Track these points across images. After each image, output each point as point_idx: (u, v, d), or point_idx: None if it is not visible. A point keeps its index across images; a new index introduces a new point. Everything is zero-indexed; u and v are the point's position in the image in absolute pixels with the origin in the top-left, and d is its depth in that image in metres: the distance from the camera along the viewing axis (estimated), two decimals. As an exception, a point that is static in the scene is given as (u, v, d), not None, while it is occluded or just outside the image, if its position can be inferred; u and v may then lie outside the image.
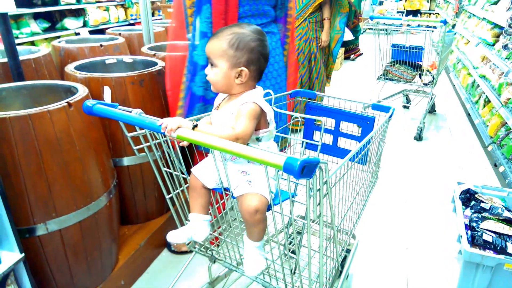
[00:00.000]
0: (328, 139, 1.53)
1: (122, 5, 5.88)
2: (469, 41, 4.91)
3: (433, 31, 3.82)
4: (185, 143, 1.04)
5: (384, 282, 1.84)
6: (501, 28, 3.79)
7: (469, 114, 4.06)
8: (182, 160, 1.13)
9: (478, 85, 4.02)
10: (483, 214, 1.92)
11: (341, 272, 1.47)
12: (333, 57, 3.37)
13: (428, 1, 10.29)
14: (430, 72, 3.77)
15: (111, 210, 1.59)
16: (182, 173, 1.13)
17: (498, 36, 3.85)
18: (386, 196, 2.57)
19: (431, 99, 3.74)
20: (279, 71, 1.99)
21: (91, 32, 4.97)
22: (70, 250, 1.43)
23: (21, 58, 1.73)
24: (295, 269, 1.46)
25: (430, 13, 10.10)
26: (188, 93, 1.69)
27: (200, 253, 1.31)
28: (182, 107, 1.74)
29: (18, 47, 1.70)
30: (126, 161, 1.81)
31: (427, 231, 2.22)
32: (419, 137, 3.48)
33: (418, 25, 4.31)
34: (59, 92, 1.59)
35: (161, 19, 5.72)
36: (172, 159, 1.10)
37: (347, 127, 1.50)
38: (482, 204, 2.01)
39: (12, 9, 1.58)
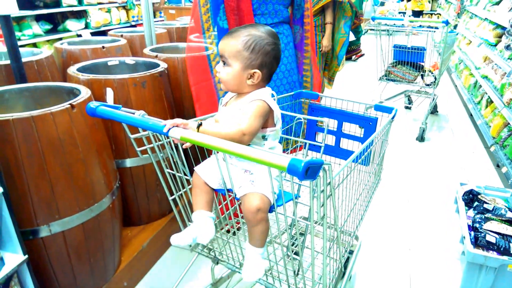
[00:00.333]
0: (330, 140, 1.53)
1: (124, 7, 5.89)
2: (471, 42, 4.90)
3: (434, 31, 3.81)
4: (188, 145, 1.04)
5: (387, 283, 1.84)
6: (503, 28, 3.79)
7: (471, 115, 4.05)
8: (185, 161, 1.13)
9: (480, 86, 4.01)
10: (486, 215, 1.92)
11: (344, 273, 1.46)
12: (338, 61, 3.29)
13: (429, 2, 10.27)
14: (432, 73, 3.76)
15: (114, 212, 1.59)
16: (185, 174, 1.13)
17: (500, 37, 3.84)
18: (388, 197, 2.56)
19: (433, 99, 3.73)
20: (290, 72, 2.01)
21: (92, 34, 4.99)
22: (73, 251, 1.43)
23: (23, 60, 1.74)
24: (298, 270, 1.46)
25: (431, 14, 10.08)
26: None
27: (203, 254, 1.30)
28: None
29: (20, 49, 1.70)
30: (129, 162, 1.81)
31: (430, 232, 2.22)
32: (421, 138, 3.47)
33: (420, 26, 4.30)
34: (61, 94, 1.59)
35: (163, 20, 5.74)
36: (175, 160, 1.10)
37: (349, 128, 1.50)
38: (485, 205, 2.00)
39: (14, 11, 1.58)
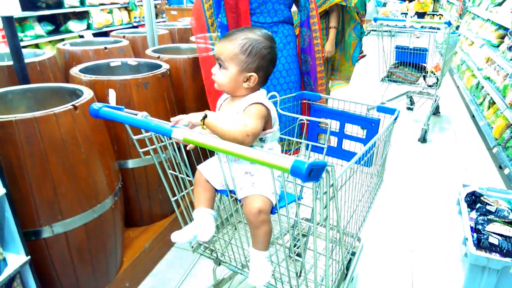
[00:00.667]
0: (332, 141, 1.52)
1: (126, 8, 5.90)
2: (473, 43, 4.89)
3: (436, 32, 3.81)
4: (191, 146, 1.04)
5: (389, 284, 1.83)
6: (506, 29, 3.78)
7: (473, 116, 4.04)
8: (188, 162, 1.13)
9: (483, 87, 4.00)
10: (488, 217, 1.91)
11: (346, 275, 1.46)
12: (353, 61, 3.27)
13: (432, 2, 10.25)
14: (434, 74, 3.76)
15: (116, 213, 1.59)
16: (187, 175, 1.13)
17: (502, 38, 3.83)
18: (391, 198, 2.56)
19: (435, 100, 3.73)
20: (288, 72, 2.00)
21: (94, 35, 5.00)
22: (75, 252, 1.43)
23: (26, 61, 1.74)
24: (300, 272, 1.46)
25: (433, 15, 10.06)
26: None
27: (205, 255, 1.30)
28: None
29: (23, 50, 1.71)
30: (131, 163, 1.81)
31: (432, 234, 2.21)
32: (423, 139, 3.46)
33: (422, 27, 4.29)
34: (64, 95, 1.59)
35: (165, 21, 5.75)
36: (177, 161, 1.10)
37: (351, 129, 1.49)
38: (487, 207, 1.99)
39: (17, 13, 1.59)
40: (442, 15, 8.87)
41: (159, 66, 1.93)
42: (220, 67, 1.06)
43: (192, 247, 1.30)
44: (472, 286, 1.72)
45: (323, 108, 1.53)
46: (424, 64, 3.75)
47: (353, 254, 1.56)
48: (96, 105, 0.95)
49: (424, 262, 1.98)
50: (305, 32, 2.01)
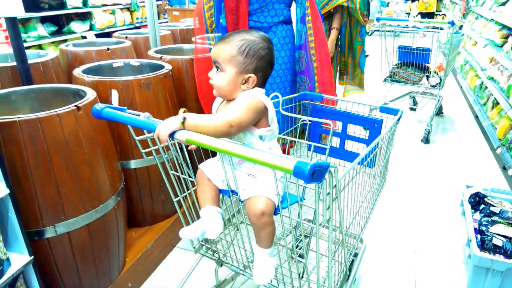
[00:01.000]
0: (335, 141, 1.52)
1: (128, 9, 5.92)
2: (476, 43, 4.87)
3: (439, 32, 3.79)
4: (193, 147, 1.04)
5: (392, 286, 1.82)
6: (510, 29, 3.76)
7: (477, 116, 4.02)
8: (190, 163, 1.13)
9: (486, 87, 3.98)
10: (492, 218, 1.90)
11: (348, 276, 1.46)
12: (361, 68, 3.20)
13: (436, 2, 10.19)
14: (437, 74, 3.74)
15: (119, 213, 1.60)
16: (189, 176, 1.13)
17: (506, 37, 3.81)
18: (393, 199, 2.55)
19: (438, 101, 3.71)
20: (285, 72, 2.01)
21: (97, 36, 5.01)
22: (78, 252, 1.44)
23: (29, 61, 1.75)
24: (303, 273, 1.45)
25: (436, 14, 10.02)
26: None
27: (207, 256, 1.30)
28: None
29: (26, 51, 1.71)
30: (133, 164, 1.81)
31: (435, 235, 2.20)
32: (426, 140, 3.45)
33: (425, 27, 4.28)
34: (67, 95, 1.60)
35: (167, 22, 5.76)
36: (179, 162, 1.10)
37: (354, 129, 1.49)
38: (491, 208, 1.98)
39: (21, 14, 1.59)
40: (445, 15, 8.83)
41: (162, 67, 1.94)
42: (217, 70, 1.04)
43: (194, 247, 1.30)
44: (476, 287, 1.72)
45: (325, 109, 1.53)
46: (427, 64, 3.73)
47: (356, 255, 1.55)
48: (99, 106, 0.95)
49: (427, 264, 1.97)
50: (301, 29, 2.02)
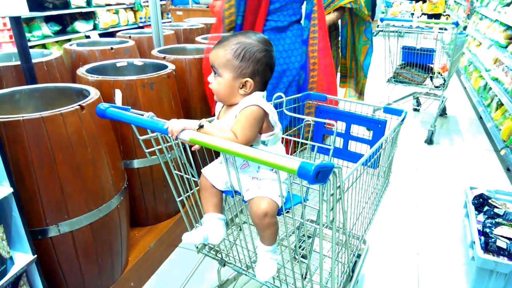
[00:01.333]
0: (338, 142, 1.51)
1: (132, 8, 5.93)
2: (481, 43, 4.84)
3: (443, 32, 3.77)
4: (197, 147, 1.03)
5: (395, 287, 1.82)
6: (514, 30, 3.74)
7: (481, 117, 4.00)
8: (193, 163, 1.13)
9: (490, 88, 3.96)
10: (496, 220, 1.89)
11: (351, 277, 1.45)
12: (364, 71, 3.00)
13: (443, 3, 10.11)
14: (441, 75, 3.72)
15: (122, 212, 1.60)
16: (192, 176, 1.13)
17: (511, 38, 3.79)
18: (397, 200, 2.54)
19: (442, 102, 3.69)
20: (296, 71, 2.03)
21: (100, 35, 5.03)
22: (81, 251, 1.44)
23: (33, 61, 1.75)
24: (306, 274, 1.45)
25: (441, 15, 9.96)
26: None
27: (210, 256, 1.30)
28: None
29: (30, 50, 1.72)
30: (136, 163, 1.81)
31: (438, 237, 2.19)
32: (430, 141, 3.43)
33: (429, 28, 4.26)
34: (71, 95, 1.60)
35: (170, 21, 5.77)
36: (183, 162, 1.10)
37: (357, 130, 1.48)
38: (495, 210, 1.97)
39: (25, 13, 1.60)
40: (449, 15, 8.79)
41: (165, 67, 1.94)
42: (215, 74, 1.03)
43: (197, 247, 1.30)
44: (479, 289, 1.71)
45: (329, 109, 1.52)
46: (431, 65, 3.72)
47: (359, 256, 1.55)
48: (103, 106, 0.96)
49: (430, 265, 1.96)
50: (306, 24, 2.05)
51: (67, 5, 4.68)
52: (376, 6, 3.09)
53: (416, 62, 3.74)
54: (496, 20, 4.28)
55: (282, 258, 1.09)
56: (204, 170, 1.12)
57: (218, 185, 1.11)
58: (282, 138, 1.15)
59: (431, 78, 3.73)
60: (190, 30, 3.37)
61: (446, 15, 9.45)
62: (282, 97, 1.24)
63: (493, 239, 1.74)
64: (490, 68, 4.06)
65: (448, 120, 4.10)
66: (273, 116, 1.04)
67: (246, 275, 1.25)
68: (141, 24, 6.01)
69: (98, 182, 1.43)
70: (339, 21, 2.93)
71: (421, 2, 10.04)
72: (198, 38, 2.82)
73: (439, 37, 3.61)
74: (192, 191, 1.16)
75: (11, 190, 1.18)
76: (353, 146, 1.49)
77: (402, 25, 3.80)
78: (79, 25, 4.96)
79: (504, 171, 2.98)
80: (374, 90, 4.83)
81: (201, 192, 1.13)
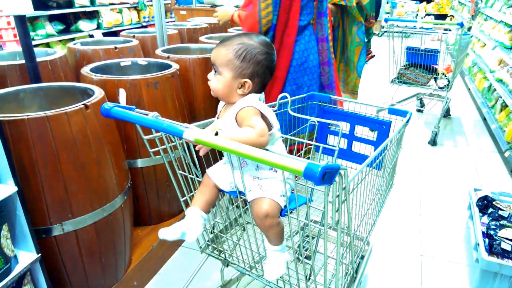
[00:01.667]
0: (342, 143, 1.51)
1: (135, 8, 5.94)
2: (485, 44, 4.82)
3: (447, 33, 3.75)
4: (203, 150, 1.03)
5: (398, 289, 1.81)
6: (519, 31, 3.71)
7: (485, 119, 3.98)
8: (197, 162, 1.12)
9: (495, 89, 3.94)
10: (501, 222, 1.88)
11: (355, 278, 1.44)
12: (358, 72, 2.98)
13: (449, 4, 10.05)
14: (445, 76, 3.70)
15: (126, 211, 1.60)
16: (196, 176, 1.13)
17: (516, 39, 3.77)
18: (400, 202, 2.53)
19: (446, 103, 3.68)
20: (314, 69, 2.07)
21: (104, 34, 5.04)
22: (85, 250, 1.44)
23: (37, 60, 1.76)
24: (309, 275, 1.45)
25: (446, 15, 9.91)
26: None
27: (213, 256, 1.30)
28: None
29: (34, 49, 1.72)
30: (140, 163, 1.81)
31: (442, 238, 2.18)
32: (433, 142, 3.42)
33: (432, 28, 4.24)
34: (75, 94, 1.60)
35: (174, 21, 5.77)
36: (187, 162, 1.10)
37: (362, 131, 1.48)
38: (500, 212, 1.96)
39: (30, 12, 1.60)
40: (453, 16, 8.75)
41: (169, 66, 1.94)
42: (215, 72, 1.05)
43: (200, 247, 1.30)
44: (483, 292, 1.70)
45: (333, 110, 1.52)
46: (435, 66, 3.70)
47: (362, 257, 1.54)
48: (108, 105, 0.95)
49: (434, 267, 1.95)
50: (326, 22, 2.11)
51: (71, 4, 4.69)
52: (380, 6, 3.08)
53: (420, 63, 3.73)
54: (501, 21, 4.26)
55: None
56: (209, 171, 1.12)
57: (223, 185, 1.10)
58: (286, 139, 1.15)
59: (435, 79, 3.71)
60: (194, 29, 3.37)
61: (450, 15, 9.41)
62: (287, 97, 1.23)
63: (497, 241, 1.73)
64: (494, 69, 4.04)
65: (452, 121, 4.08)
66: (270, 117, 1.04)
67: (249, 275, 1.25)
68: (144, 24, 6.02)
69: (102, 182, 1.44)
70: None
71: (425, 2, 9.99)
72: (202, 38, 2.82)
73: (443, 38, 3.59)
74: (196, 191, 1.16)
75: (15, 189, 1.18)
76: (357, 147, 1.49)
77: (406, 26, 3.78)
78: (82, 24, 4.97)
79: (508, 173, 2.97)
80: (377, 90, 4.82)
81: (200, 186, 1.12)
